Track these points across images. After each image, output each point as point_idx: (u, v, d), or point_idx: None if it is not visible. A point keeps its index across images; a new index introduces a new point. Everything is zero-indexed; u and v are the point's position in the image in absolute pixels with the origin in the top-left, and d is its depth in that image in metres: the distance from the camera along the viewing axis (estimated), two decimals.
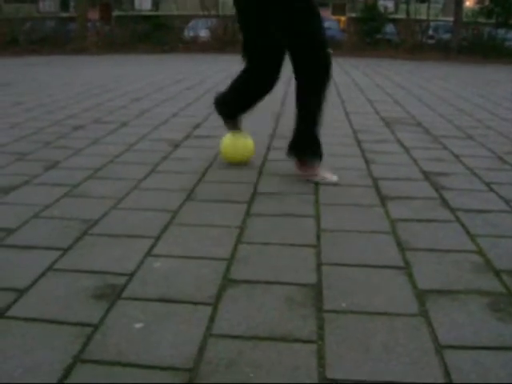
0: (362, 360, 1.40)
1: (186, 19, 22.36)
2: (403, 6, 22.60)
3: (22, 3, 25.79)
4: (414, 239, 2.16)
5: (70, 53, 16.73)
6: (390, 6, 26.36)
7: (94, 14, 24.80)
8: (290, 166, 3.20)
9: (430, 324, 1.57)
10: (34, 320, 1.57)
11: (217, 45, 18.74)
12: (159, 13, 27.49)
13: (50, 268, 1.89)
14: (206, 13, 22.20)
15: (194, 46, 18.82)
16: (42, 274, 1.84)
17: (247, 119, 4.56)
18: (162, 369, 1.36)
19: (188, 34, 20.85)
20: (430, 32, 20.71)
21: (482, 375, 1.35)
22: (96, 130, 4.28)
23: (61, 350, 1.43)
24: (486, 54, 16.28)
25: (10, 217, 2.37)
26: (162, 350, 1.43)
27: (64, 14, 27.12)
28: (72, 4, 27.70)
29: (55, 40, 18.96)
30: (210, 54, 16.89)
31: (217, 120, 4.69)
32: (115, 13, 28.10)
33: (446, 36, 19.22)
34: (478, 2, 22.36)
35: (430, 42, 19.64)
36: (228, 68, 11.40)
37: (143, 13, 27.92)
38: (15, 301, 1.67)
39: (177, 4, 26.42)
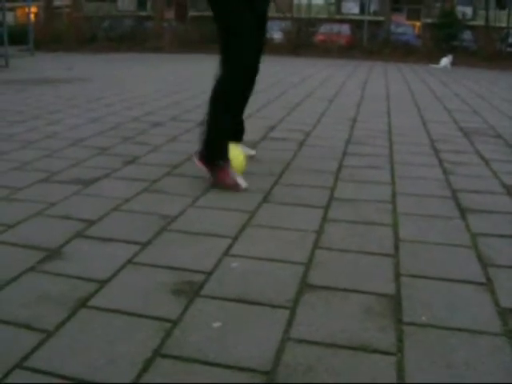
0: (442, 376, 1.37)
1: None
2: (482, 13, 22.01)
3: (102, 2, 26.59)
4: (496, 255, 2.09)
5: (147, 51, 17.13)
6: (468, 12, 25.77)
7: (169, 14, 25.30)
8: (366, 172, 3.17)
9: None
10: (114, 311, 1.61)
11: (290, 47, 18.77)
12: None
13: (129, 261, 1.93)
14: (280, 15, 22.26)
15: (268, 48, 18.88)
16: (122, 267, 1.88)
17: (322, 124, 4.54)
18: (241, 369, 1.36)
19: None
20: (510, 40, 20.10)
21: None
22: (174, 127, 4.36)
23: (141, 343, 1.45)
24: None
25: (90, 208, 2.44)
26: (240, 350, 1.44)
27: (141, 13, 27.78)
28: (149, 3, 28.34)
29: (133, 38, 19.45)
30: (283, 56, 16.92)
31: (292, 122, 4.72)
32: (190, 13, 28.56)
33: None
34: None
35: (510, 50, 19.06)
36: (301, 71, 11.40)
37: None
38: (96, 291, 1.72)
39: None
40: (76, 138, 3.86)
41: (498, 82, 10.64)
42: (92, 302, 1.66)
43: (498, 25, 20.58)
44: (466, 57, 17.22)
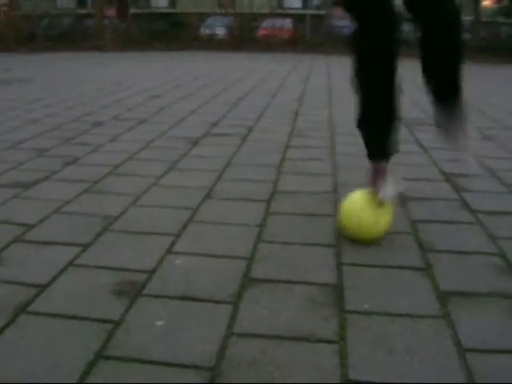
0: (385, 362, 1.39)
1: (203, 17, 22.40)
2: None
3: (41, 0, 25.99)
4: (435, 241, 2.14)
5: (87, 49, 16.83)
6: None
7: (110, 11, 24.88)
8: (308, 164, 3.20)
9: (452, 327, 1.55)
10: (55, 315, 1.58)
11: (233, 42, 18.78)
12: (176, 10, 27.53)
13: (70, 264, 1.89)
14: (222, 10, 22.23)
15: (211, 44, 18.85)
16: (63, 270, 1.85)
17: (265, 118, 4.57)
18: (184, 367, 1.36)
19: (204, 31, 20.92)
20: None
21: (506, 379, 1.33)
22: (115, 126, 4.30)
23: (83, 346, 1.43)
24: (506, 53, 16.13)
25: (30, 212, 2.38)
26: (184, 347, 1.43)
27: (81, 11, 27.25)
28: (89, 1, 27.83)
29: (72, 37, 19.10)
30: (227, 52, 16.90)
31: (235, 118, 4.72)
32: (132, 10, 28.20)
33: (464, 36, 19.10)
34: (496, 2, 22.16)
35: None
36: (244, 66, 11.42)
37: (160, 10, 27.99)
38: (36, 296, 1.68)
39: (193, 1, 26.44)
40: (15, 141, 3.76)
41: None
42: (32, 307, 1.62)
43: None
44: (405, 48, 17.55)
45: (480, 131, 4.45)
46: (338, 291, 1.73)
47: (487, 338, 1.50)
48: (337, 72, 10.05)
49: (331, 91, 6.98)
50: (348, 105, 5.79)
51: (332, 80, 8.53)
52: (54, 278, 1.79)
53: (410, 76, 9.24)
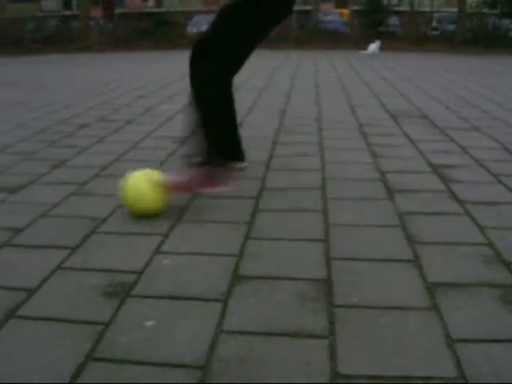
0: (374, 354, 1.40)
1: (189, 15, 22.34)
2: None
3: (26, 3, 25.86)
4: (422, 232, 2.15)
5: (74, 51, 16.72)
6: None
7: (96, 12, 24.76)
8: (297, 160, 3.20)
9: (441, 318, 1.56)
10: (44, 319, 1.57)
11: None
12: (162, 9, 27.43)
13: (58, 267, 1.89)
14: (208, 8, 22.17)
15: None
16: (51, 274, 1.84)
17: (253, 115, 4.55)
18: (174, 366, 1.36)
19: (191, 30, 20.86)
20: (434, 23, 20.68)
21: (495, 368, 1.34)
22: (101, 128, 4.28)
23: (72, 349, 1.43)
24: (491, 44, 16.20)
25: (17, 216, 2.37)
26: (173, 347, 1.43)
27: (67, 13, 27.11)
28: (74, 2, 27.68)
29: (58, 39, 18.98)
30: None
31: None
32: (118, 10, 28.08)
33: (451, 27, 19.16)
34: None
35: (435, 33, 19.60)
36: None
37: (146, 9, 27.87)
38: (25, 300, 1.67)
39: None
40: (1, 145, 3.74)
41: (424, 64, 10.91)
42: (21, 312, 1.61)
43: (422, 9, 21.06)
44: (393, 41, 17.58)
45: (468, 122, 4.47)
46: (327, 286, 1.74)
47: (475, 328, 1.51)
48: (324, 67, 10.05)
49: (318, 86, 6.98)
50: (336, 100, 5.80)
51: (319, 75, 8.53)
52: (43, 282, 1.78)
53: (398, 68, 9.20)
